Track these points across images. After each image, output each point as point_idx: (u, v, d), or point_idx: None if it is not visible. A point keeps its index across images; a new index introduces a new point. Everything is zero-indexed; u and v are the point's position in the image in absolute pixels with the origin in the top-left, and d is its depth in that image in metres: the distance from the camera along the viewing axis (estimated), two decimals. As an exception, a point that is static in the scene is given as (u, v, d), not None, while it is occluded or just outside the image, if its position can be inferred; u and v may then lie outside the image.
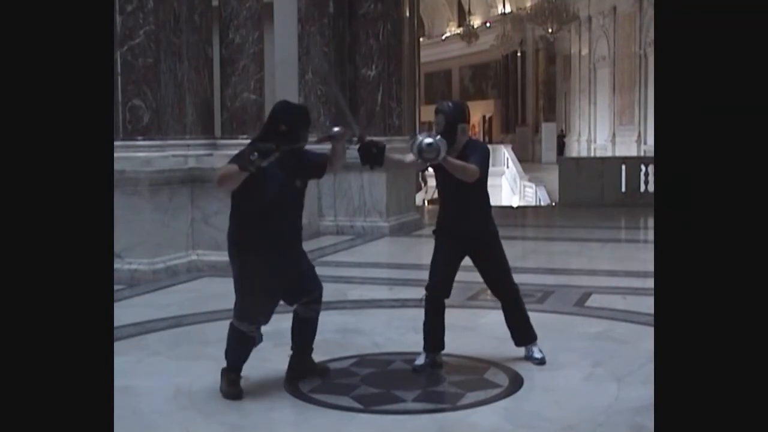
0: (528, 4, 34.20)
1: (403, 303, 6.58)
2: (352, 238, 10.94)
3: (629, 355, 5.05)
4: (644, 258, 8.53)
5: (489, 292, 5.20)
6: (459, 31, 38.30)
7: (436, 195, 5.03)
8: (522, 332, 4.96)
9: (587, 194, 15.39)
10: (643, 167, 15.50)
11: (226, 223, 4.43)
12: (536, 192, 24.27)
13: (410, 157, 4.70)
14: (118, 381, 2.98)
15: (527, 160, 32.15)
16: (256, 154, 4.07)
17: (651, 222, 11.39)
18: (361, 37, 11.68)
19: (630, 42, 27.45)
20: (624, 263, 8.92)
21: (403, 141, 11.18)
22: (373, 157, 4.48)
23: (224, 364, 4.39)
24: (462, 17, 38.66)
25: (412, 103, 16.91)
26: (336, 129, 4.53)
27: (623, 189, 15.54)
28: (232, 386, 4.33)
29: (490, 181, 4.86)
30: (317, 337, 4.62)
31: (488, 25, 37.39)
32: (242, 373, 4.38)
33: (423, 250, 7.71)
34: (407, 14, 16.18)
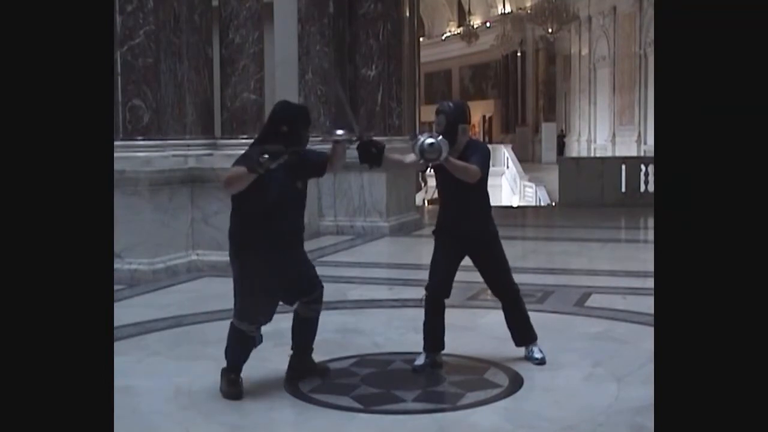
0: (528, 4, 34.21)
1: (403, 303, 6.58)
2: (352, 238, 10.94)
3: (629, 355, 5.05)
4: (644, 258, 8.53)
5: (489, 292, 5.20)
6: (459, 31, 38.30)
7: (436, 195, 5.03)
8: (522, 332, 4.96)
9: (587, 194, 15.40)
10: (643, 167, 15.50)
11: (226, 223, 4.44)
12: (536, 192, 24.27)
13: (410, 158, 4.70)
14: (118, 381, 2.98)
15: (527, 160, 32.16)
16: (266, 156, 4.07)
17: (651, 222, 11.39)
18: (361, 37, 11.68)
19: (630, 42, 27.45)
20: (624, 263, 8.92)
21: (403, 141, 11.18)
22: (371, 157, 4.48)
23: (224, 364, 4.39)
24: (462, 17, 38.67)
25: (412, 103, 16.92)
26: (339, 132, 4.53)
27: (623, 189, 15.54)
28: (232, 386, 4.32)
29: (490, 181, 4.86)
30: (317, 337, 4.62)
31: (488, 25, 37.40)
32: (242, 374, 4.38)
33: (423, 250, 7.71)
34: (407, 14, 16.18)
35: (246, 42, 8.92)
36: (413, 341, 5.03)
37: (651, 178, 15.03)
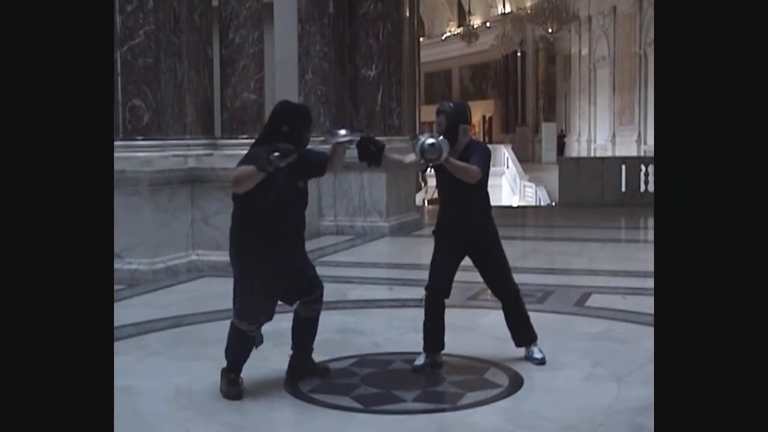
0: (528, 4, 34.21)
1: (403, 303, 6.57)
2: (352, 238, 10.94)
3: (629, 355, 5.05)
4: (644, 258, 8.53)
5: (489, 292, 5.20)
6: (459, 31, 38.30)
7: (436, 195, 5.03)
8: (522, 332, 4.96)
9: (587, 194, 15.40)
10: (643, 167, 15.50)
11: (226, 223, 4.43)
12: (536, 192, 24.27)
13: (410, 158, 4.70)
14: (118, 381, 2.98)
15: (527, 160, 32.15)
16: (276, 154, 4.06)
17: (651, 222, 11.39)
18: (361, 37, 11.68)
19: (630, 42, 27.45)
20: (624, 263, 8.92)
21: (403, 141, 11.18)
22: (370, 155, 4.48)
23: (224, 364, 4.39)
24: (462, 17, 38.66)
25: (412, 103, 16.92)
26: (342, 132, 4.52)
27: (623, 189, 15.55)
28: (232, 386, 4.32)
29: (490, 181, 4.86)
30: (317, 337, 4.61)
31: (488, 25, 37.39)
32: (242, 374, 4.38)
33: (423, 250, 7.71)
34: (407, 14, 16.18)
35: (246, 42, 8.92)
36: (413, 341, 5.03)
37: (651, 178, 15.03)
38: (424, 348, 4.82)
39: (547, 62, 35.49)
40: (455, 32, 39.05)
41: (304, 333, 4.55)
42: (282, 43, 12.09)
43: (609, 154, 26.87)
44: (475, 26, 37.08)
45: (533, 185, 25.02)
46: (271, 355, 4.78)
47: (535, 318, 5.10)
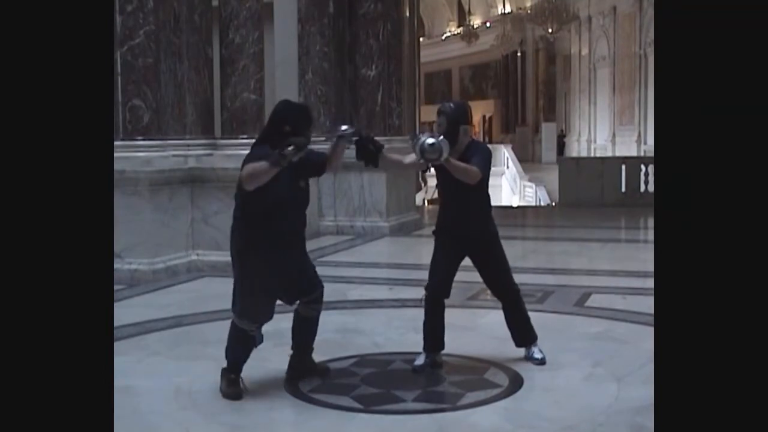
0: (528, 4, 34.21)
1: (403, 303, 6.57)
2: (352, 238, 10.94)
3: (629, 355, 5.05)
4: (644, 258, 8.53)
5: (489, 292, 5.19)
6: (459, 31, 38.30)
7: (436, 195, 5.03)
8: (522, 332, 4.96)
9: (587, 194, 15.40)
10: (643, 167, 15.50)
11: (226, 223, 4.43)
12: (536, 192, 24.28)
13: (410, 158, 4.69)
14: (118, 381, 2.98)
15: (527, 160, 32.15)
16: (291, 148, 4.05)
17: (651, 222, 11.39)
18: (361, 37, 11.68)
19: (630, 42, 27.45)
20: (624, 263, 8.92)
21: (403, 141, 11.18)
22: (368, 155, 4.47)
23: (224, 364, 4.39)
24: (462, 17, 38.66)
25: (412, 103, 16.92)
26: (344, 127, 4.52)
27: (623, 189, 15.55)
28: (232, 386, 4.32)
29: (491, 181, 4.86)
30: (317, 337, 4.61)
31: (488, 25, 37.39)
32: (242, 374, 4.38)
33: (423, 250, 7.71)
34: (407, 14, 16.18)
35: (246, 42, 8.92)
36: (413, 341, 5.03)
37: (651, 178, 15.04)
38: (424, 348, 4.82)
39: (547, 62, 35.49)
40: (455, 32, 39.05)
41: (304, 333, 4.55)
42: (282, 43, 12.09)
43: (609, 154, 26.87)
44: (475, 26, 37.08)
45: (533, 185, 25.02)
46: (271, 355, 4.78)
47: (535, 318, 5.10)
